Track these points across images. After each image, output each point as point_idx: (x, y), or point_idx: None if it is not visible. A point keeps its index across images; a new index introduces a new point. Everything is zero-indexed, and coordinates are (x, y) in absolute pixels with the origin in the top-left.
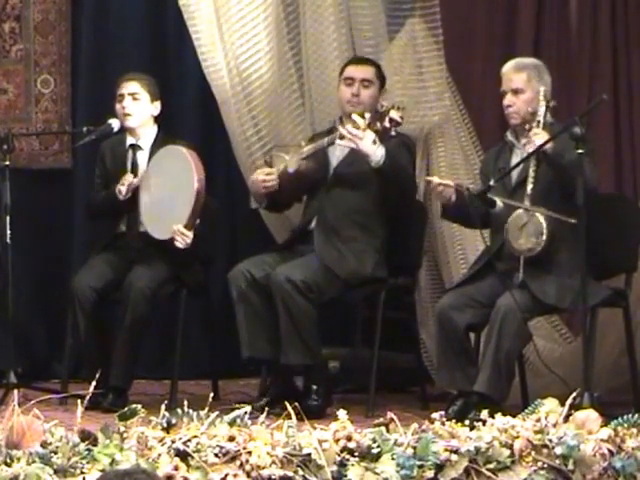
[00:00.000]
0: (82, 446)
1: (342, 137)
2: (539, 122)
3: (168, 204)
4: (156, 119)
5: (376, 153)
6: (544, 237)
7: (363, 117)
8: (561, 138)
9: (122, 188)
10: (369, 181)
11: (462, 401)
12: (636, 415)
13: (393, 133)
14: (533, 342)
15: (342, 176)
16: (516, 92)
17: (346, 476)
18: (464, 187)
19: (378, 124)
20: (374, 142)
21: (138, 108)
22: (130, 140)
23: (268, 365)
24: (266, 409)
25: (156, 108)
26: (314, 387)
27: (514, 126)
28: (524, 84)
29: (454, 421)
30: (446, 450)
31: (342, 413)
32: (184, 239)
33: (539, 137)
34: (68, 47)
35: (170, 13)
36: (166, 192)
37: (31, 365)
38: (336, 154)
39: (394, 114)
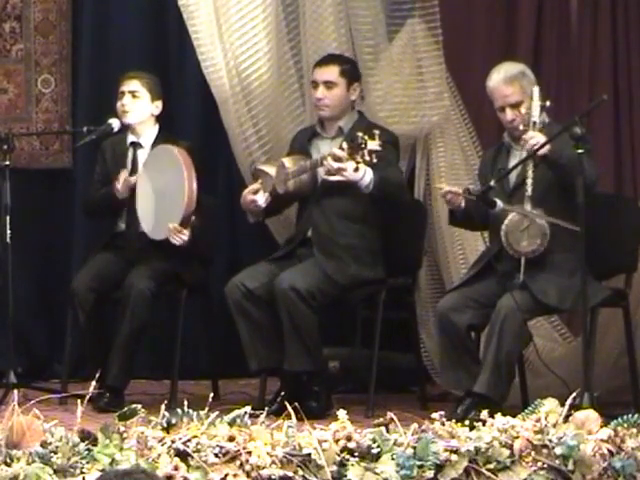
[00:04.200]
0: (82, 446)
1: (329, 173)
2: (534, 123)
3: (162, 204)
4: (157, 118)
5: (364, 179)
6: (548, 238)
7: (342, 148)
8: (558, 137)
9: (118, 185)
10: (356, 186)
11: (470, 401)
12: (636, 415)
13: (375, 161)
14: (533, 342)
15: (330, 186)
16: (515, 105)
17: (346, 476)
18: (468, 191)
19: (358, 158)
20: (356, 169)
21: (137, 106)
22: (131, 138)
23: (276, 372)
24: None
25: (157, 107)
26: (315, 389)
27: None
28: (520, 95)
29: (462, 421)
30: (446, 450)
31: (342, 413)
32: (180, 237)
33: (535, 140)
34: (68, 47)
35: (170, 13)
36: (159, 192)
37: (31, 365)
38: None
39: (372, 145)
